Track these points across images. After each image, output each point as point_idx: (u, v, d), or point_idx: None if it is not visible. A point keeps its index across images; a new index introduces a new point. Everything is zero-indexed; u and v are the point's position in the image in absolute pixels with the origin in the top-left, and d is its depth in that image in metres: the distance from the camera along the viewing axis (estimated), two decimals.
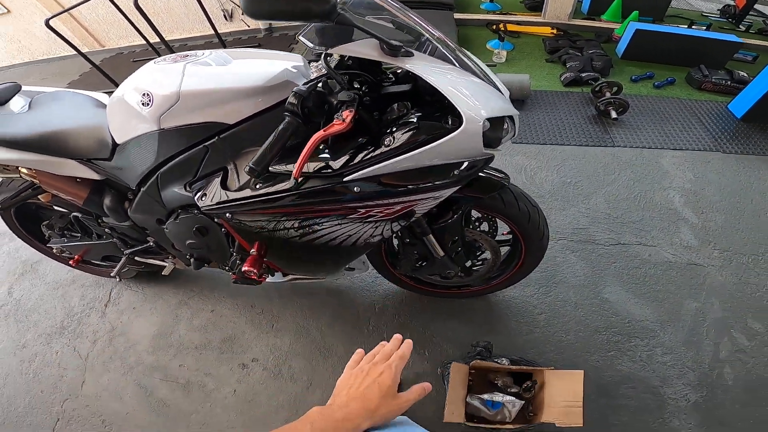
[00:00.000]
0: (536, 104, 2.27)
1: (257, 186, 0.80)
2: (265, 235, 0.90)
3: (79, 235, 1.26)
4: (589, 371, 1.16)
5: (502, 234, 1.15)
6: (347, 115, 0.67)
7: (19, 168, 0.96)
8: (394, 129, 0.74)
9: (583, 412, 0.99)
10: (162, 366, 1.33)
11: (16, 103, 1.00)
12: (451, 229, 1.01)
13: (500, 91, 0.80)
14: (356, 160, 0.74)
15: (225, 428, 1.19)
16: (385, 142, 0.73)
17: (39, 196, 1.07)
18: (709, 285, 1.40)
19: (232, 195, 0.82)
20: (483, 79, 0.77)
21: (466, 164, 0.75)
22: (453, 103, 0.69)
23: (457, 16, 3.18)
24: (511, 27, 3.09)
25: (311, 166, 0.76)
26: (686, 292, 1.38)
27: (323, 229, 0.87)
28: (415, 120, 0.73)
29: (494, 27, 3.00)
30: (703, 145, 1.95)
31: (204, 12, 2.26)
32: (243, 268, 0.91)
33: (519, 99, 2.28)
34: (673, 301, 1.36)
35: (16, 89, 1.01)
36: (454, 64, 0.75)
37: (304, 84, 0.73)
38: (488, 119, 0.71)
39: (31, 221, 1.32)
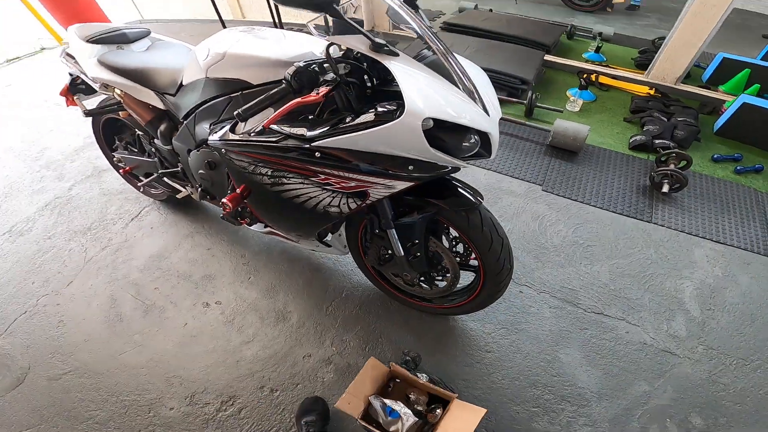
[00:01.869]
0: (588, 159, 2.58)
1: (251, 134, 1.20)
2: (247, 176, 1.30)
3: (136, 151, 2.01)
4: (504, 419, 1.49)
5: (471, 259, 1.47)
6: (323, 90, 0.99)
7: (114, 89, 1.67)
8: (363, 111, 1.03)
9: None
10: (141, 284, 1.96)
11: (141, 44, 1.75)
12: (413, 230, 1.34)
13: (486, 111, 1.05)
14: (324, 131, 1.06)
15: (154, 355, 1.72)
16: (347, 120, 1.04)
17: (120, 113, 1.80)
18: (672, 374, 1.60)
19: (232, 136, 1.25)
20: (463, 91, 1.03)
21: (418, 161, 1.03)
22: (403, 95, 0.94)
23: (548, 58, 3.51)
24: (603, 79, 3.34)
25: (292, 130, 1.13)
26: (643, 375, 1.60)
27: (290, 183, 1.22)
28: (380, 108, 1.01)
29: (584, 75, 3.24)
30: (753, 245, 2.08)
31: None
32: (223, 200, 1.35)
33: (572, 150, 2.53)
34: (625, 379, 1.59)
35: (144, 34, 1.77)
36: (451, 78, 1.03)
37: (306, 62, 1.03)
38: (446, 125, 0.98)
39: (110, 134, 2.10)
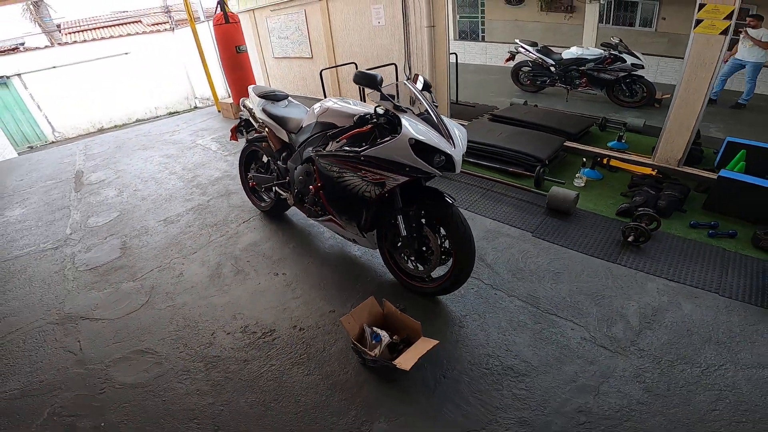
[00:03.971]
0: (578, 220, 3.09)
1: (332, 150, 2.12)
2: (325, 173, 2.18)
3: (263, 171, 3.12)
4: (459, 373, 1.91)
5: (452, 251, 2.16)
6: (368, 127, 1.97)
7: (266, 127, 2.80)
8: (386, 137, 1.89)
9: (414, 363, 1.72)
10: (238, 257, 2.89)
11: (283, 103, 2.93)
12: (412, 216, 2.12)
13: (452, 143, 1.84)
14: (367, 147, 1.93)
15: (231, 299, 2.53)
16: (378, 140, 1.93)
17: (263, 143, 2.93)
18: (602, 363, 1.92)
19: (324, 151, 2.18)
20: (441, 134, 1.85)
21: (411, 166, 1.81)
22: (402, 127, 1.81)
23: (569, 144, 4.16)
24: (614, 162, 3.85)
25: (353, 147, 1.99)
26: (578, 361, 1.95)
27: (346, 175, 2.06)
28: (393, 135, 1.85)
29: (597, 159, 3.81)
30: (705, 284, 2.35)
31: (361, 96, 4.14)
32: (310, 186, 2.35)
33: (563, 210, 3.09)
34: (562, 361, 1.96)
35: (285, 96, 2.96)
36: (433, 125, 1.87)
37: (364, 114, 2.02)
38: (426, 149, 1.79)
39: (248, 161, 3.30)
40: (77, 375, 2.09)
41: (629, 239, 2.67)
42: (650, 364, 1.90)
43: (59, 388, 2.02)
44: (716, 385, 1.78)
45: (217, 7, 5.61)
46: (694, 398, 1.73)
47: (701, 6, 2.94)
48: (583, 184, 3.55)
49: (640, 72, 5.66)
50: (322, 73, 4.80)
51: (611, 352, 1.98)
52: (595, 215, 3.11)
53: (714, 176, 3.37)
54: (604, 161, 3.88)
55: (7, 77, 10.95)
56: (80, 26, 14.00)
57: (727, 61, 6.36)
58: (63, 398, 1.97)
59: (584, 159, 3.67)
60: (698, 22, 2.99)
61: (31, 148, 11.06)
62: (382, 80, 1.92)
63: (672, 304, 2.23)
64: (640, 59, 5.61)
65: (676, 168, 3.59)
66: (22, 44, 12.45)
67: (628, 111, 5.72)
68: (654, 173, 3.59)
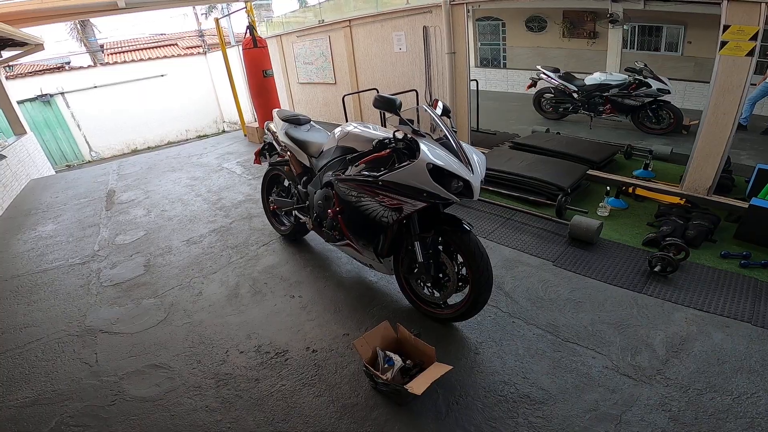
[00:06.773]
0: (602, 249, 3.04)
1: (352, 174, 2.15)
2: (344, 198, 2.21)
3: (284, 195, 3.21)
4: (473, 399, 1.89)
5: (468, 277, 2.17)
6: (387, 151, 2.00)
7: (288, 151, 2.90)
8: (404, 161, 1.94)
9: (426, 388, 1.71)
10: (256, 279, 2.96)
11: (305, 127, 3.04)
12: (429, 243, 2.13)
13: (471, 169, 1.87)
14: (385, 171, 1.96)
15: (247, 319, 2.58)
16: (396, 165, 1.95)
17: (285, 167, 3.02)
18: (625, 392, 1.87)
19: (343, 176, 2.22)
20: (459, 160, 1.87)
21: (428, 191, 1.83)
22: (420, 151, 1.85)
23: (592, 172, 4.14)
24: (640, 191, 3.79)
25: (371, 171, 2.03)
26: (599, 389, 1.89)
27: (364, 200, 2.08)
28: (411, 160, 1.89)
29: (622, 188, 3.77)
30: (737, 314, 2.26)
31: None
32: (328, 210, 2.36)
33: (586, 240, 3.07)
34: (582, 389, 1.91)
35: (308, 120, 3.08)
36: (451, 150, 1.90)
37: (383, 138, 2.08)
38: (444, 174, 1.81)
39: (270, 184, 3.38)
40: (90, 386, 2.16)
41: (656, 269, 2.61)
42: (677, 392, 1.83)
43: (71, 398, 2.09)
44: (748, 413, 1.71)
45: (246, 32, 5.93)
46: (724, 426, 1.67)
47: (725, 27, 2.94)
48: (607, 214, 3.50)
49: (666, 97, 5.61)
50: (345, 98, 4.98)
51: (635, 380, 1.92)
52: (619, 245, 3.05)
53: (745, 205, 3.28)
54: (630, 190, 3.83)
55: (51, 96, 11.51)
56: (122, 47, 14.94)
57: (759, 84, 6.23)
58: (73, 408, 2.03)
59: (608, 188, 3.63)
60: (723, 43, 2.98)
61: (69, 167, 11.60)
62: (401, 104, 1.99)
63: (701, 333, 2.16)
64: (666, 84, 5.57)
65: (706, 197, 3.51)
66: (68, 63, 13.31)
67: (655, 138, 5.63)
68: (682, 202, 3.52)
